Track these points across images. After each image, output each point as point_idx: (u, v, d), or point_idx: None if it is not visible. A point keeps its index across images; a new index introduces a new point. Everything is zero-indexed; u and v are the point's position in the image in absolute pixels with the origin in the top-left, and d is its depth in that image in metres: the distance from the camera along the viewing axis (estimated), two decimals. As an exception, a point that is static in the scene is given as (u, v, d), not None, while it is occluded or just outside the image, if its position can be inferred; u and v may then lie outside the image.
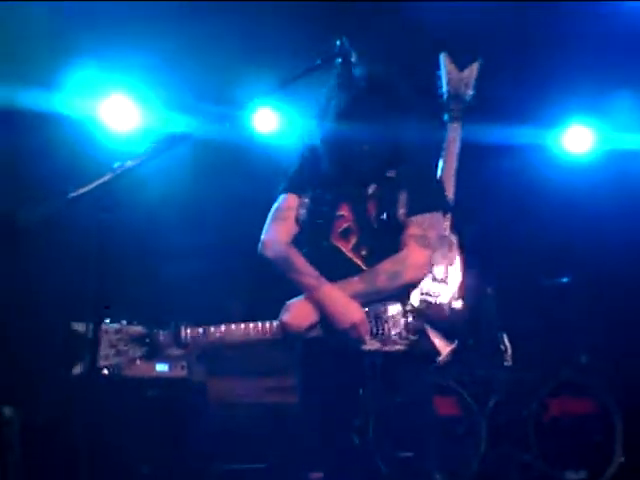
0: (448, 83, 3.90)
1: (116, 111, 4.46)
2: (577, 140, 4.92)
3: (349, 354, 2.43)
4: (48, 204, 2.06)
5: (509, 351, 4.03)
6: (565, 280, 4.54)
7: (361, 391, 2.53)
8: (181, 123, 4.34)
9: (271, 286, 2.66)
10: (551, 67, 4.42)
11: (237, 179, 4.59)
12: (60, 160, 4.24)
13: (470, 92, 3.91)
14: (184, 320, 2.42)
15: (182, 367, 4.13)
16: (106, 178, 1.98)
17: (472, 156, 3.96)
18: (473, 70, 3.91)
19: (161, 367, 4.07)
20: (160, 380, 4.07)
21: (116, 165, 2.03)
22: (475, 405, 3.96)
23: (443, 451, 2.72)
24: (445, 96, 3.91)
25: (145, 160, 2.04)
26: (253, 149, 4.60)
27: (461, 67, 3.92)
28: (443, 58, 3.92)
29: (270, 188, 2.65)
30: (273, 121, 4.62)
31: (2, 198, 4.13)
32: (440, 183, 3.21)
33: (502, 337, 4.05)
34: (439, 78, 3.94)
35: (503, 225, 4.72)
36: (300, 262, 2.48)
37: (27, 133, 4.33)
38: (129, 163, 2.03)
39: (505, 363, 4.05)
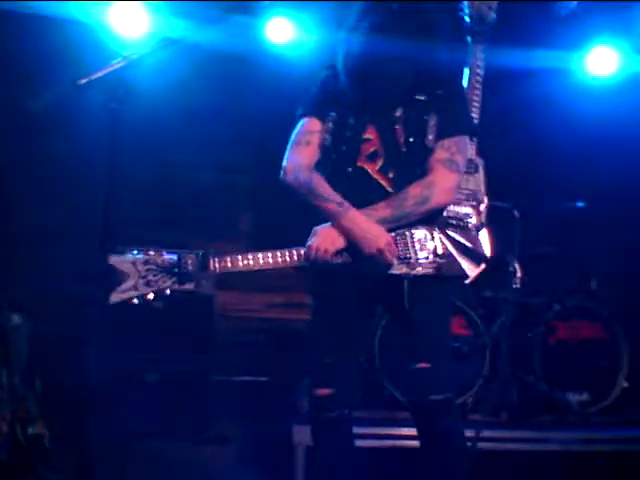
0: (471, 6, 3.79)
1: (125, 16, 4.34)
2: (601, 62, 4.73)
3: (374, 278, 2.40)
4: (57, 89, 1.93)
5: (518, 273, 4.00)
6: (581, 205, 4.45)
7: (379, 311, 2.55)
8: (191, 31, 4.21)
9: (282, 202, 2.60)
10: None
11: (249, 90, 4.48)
12: (68, 65, 4.15)
13: (493, 15, 3.79)
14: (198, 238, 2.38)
15: (189, 280, 4.11)
16: (117, 65, 1.82)
17: (493, 80, 3.85)
18: None
19: (168, 279, 4.03)
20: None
21: (126, 54, 1.87)
22: (482, 326, 3.95)
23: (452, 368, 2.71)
24: (468, 19, 3.80)
25: (153, 52, 1.90)
26: (265, 59, 4.46)
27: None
28: None
29: (280, 101, 2.54)
30: (288, 31, 4.45)
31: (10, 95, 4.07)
32: (467, 106, 3.12)
33: (512, 259, 4.01)
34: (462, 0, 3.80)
35: (523, 150, 4.62)
36: (324, 188, 2.42)
37: (36, 37, 4.24)
38: (137, 54, 1.88)
39: (514, 286, 4.03)
